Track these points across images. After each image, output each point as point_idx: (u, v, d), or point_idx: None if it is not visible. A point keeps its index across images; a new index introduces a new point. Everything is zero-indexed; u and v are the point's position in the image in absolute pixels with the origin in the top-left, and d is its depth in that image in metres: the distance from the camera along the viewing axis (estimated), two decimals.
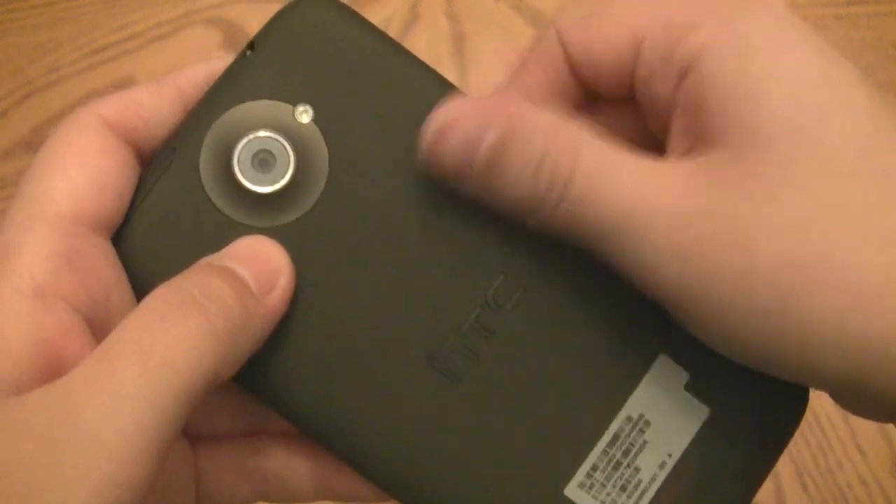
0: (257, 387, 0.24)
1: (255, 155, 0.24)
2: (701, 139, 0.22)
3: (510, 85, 0.25)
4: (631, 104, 0.24)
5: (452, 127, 0.22)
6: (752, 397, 0.24)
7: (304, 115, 0.24)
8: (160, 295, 0.21)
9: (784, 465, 0.45)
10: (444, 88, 0.24)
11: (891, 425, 0.45)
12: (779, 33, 0.21)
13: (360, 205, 0.24)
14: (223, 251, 0.23)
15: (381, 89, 0.23)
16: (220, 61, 0.24)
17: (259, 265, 0.23)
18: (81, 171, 0.22)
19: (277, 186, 0.24)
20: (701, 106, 0.21)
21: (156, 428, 0.19)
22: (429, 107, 0.23)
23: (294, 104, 0.24)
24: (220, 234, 0.23)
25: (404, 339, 0.24)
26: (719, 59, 0.21)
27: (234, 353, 0.21)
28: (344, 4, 0.24)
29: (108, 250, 0.23)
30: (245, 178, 0.24)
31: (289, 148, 0.24)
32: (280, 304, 0.23)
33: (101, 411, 0.18)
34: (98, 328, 0.22)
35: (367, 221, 0.24)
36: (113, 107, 0.23)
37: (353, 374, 0.24)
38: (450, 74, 0.24)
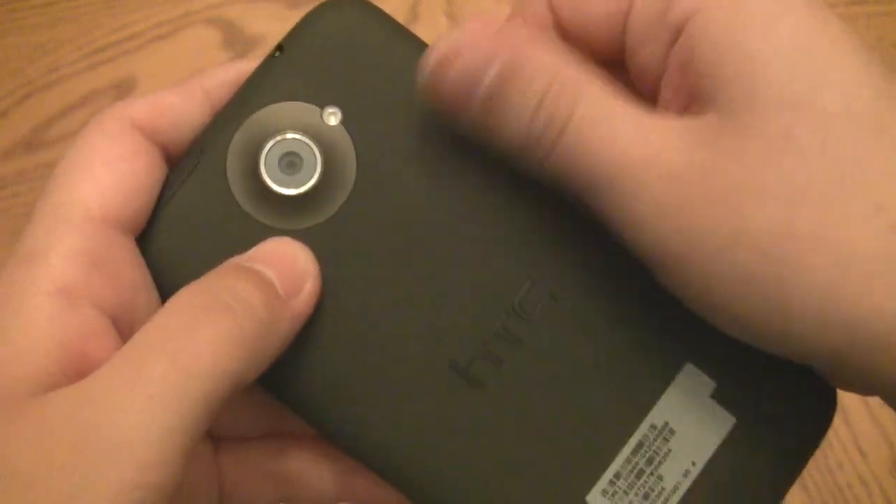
0: (280, 390, 0.24)
1: (282, 157, 0.24)
2: (694, 101, 0.21)
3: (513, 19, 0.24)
4: (621, 67, 0.23)
5: (456, 58, 0.22)
6: (779, 407, 0.24)
7: (333, 117, 0.24)
8: (186, 296, 0.21)
9: None
10: None
11: (891, 426, 0.46)
12: None
13: (386, 208, 0.24)
14: (249, 253, 0.23)
15: (410, 92, 0.23)
16: (248, 63, 0.24)
17: (285, 267, 0.22)
18: (108, 172, 0.22)
19: (304, 189, 0.24)
20: (693, 67, 0.21)
21: (180, 430, 0.19)
22: None
23: (322, 106, 0.24)
24: (246, 236, 0.23)
25: (428, 345, 0.24)
26: (712, 19, 0.20)
27: (259, 356, 0.21)
28: (374, 6, 0.24)
29: (134, 251, 0.23)
30: (272, 180, 0.23)
31: (316, 150, 0.24)
32: (306, 308, 0.23)
33: (125, 413, 0.18)
34: (124, 329, 0.22)
35: (393, 225, 0.24)
36: (140, 108, 0.23)
37: (376, 379, 0.24)
38: None
